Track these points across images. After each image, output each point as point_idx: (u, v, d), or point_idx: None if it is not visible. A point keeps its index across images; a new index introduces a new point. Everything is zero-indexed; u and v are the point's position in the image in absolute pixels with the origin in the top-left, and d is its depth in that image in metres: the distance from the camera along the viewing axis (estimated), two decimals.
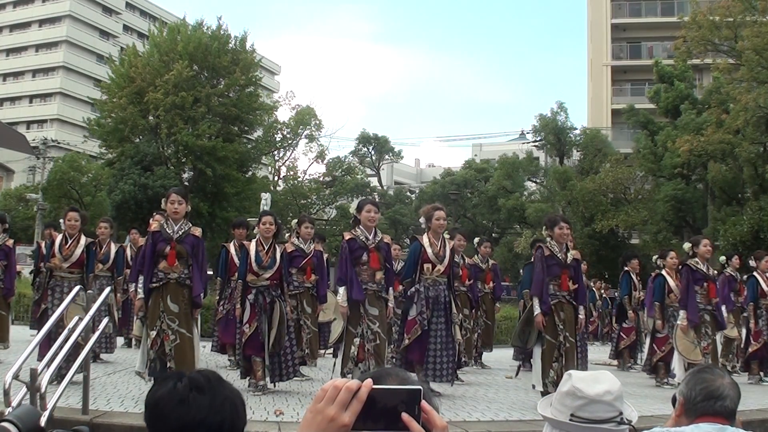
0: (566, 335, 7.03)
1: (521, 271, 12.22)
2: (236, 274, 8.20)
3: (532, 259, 7.84)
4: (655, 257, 11.07)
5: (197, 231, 6.94)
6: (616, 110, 37.99)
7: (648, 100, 31.33)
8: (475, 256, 11.14)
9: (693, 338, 8.56)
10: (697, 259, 8.69)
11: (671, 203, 26.07)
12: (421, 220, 7.91)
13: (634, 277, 11.45)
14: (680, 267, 9.08)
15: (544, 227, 7.51)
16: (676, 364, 8.95)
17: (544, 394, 6.61)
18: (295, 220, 9.33)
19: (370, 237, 7.37)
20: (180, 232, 6.74)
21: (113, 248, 9.77)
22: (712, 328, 8.72)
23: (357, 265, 7.29)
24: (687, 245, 9.03)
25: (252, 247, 7.54)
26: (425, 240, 7.60)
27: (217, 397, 1.56)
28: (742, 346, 10.89)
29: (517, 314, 12.54)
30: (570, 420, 2.18)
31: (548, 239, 7.31)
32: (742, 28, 23.74)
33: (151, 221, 6.92)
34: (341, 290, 7.28)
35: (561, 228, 7.20)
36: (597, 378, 2.23)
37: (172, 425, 1.53)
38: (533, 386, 7.35)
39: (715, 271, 9.35)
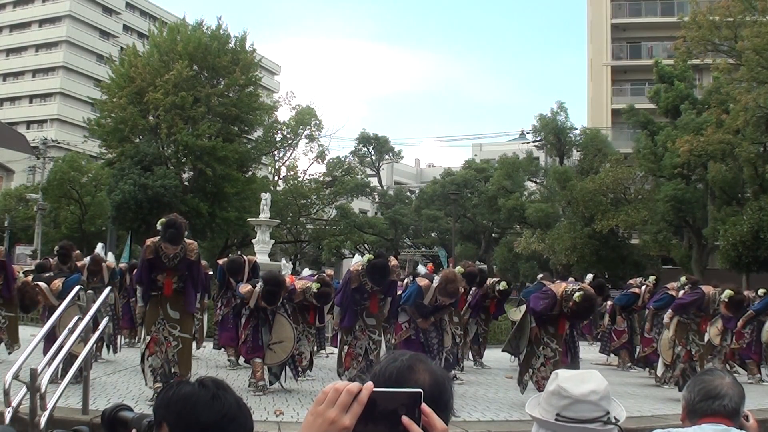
0: (553, 347, 7.24)
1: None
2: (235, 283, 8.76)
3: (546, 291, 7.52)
4: None
5: (193, 253, 6.85)
6: (616, 110, 37.95)
7: (648, 100, 31.31)
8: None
9: (671, 339, 8.63)
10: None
11: (671, 203, 26.03)
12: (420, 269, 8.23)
13: (640, 300, 11.41)
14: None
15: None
16: (660, 361, 9.31)
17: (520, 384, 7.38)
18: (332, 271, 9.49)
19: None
20: (176, 261, 6.74)
21: (106, 274, 9.68)
22: (699, 336, 8.78)
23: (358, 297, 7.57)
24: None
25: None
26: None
27: (238, 398, 1.64)
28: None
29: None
30: (556, 419, 2.18)
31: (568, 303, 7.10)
32: (742, 28, 23.71)
33: (148, 242, 6.91)
34: (337, 310, 7.66)
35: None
36: (584, 378, 2.23)
37: (205, 420, 1.56)
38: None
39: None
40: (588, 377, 2.23)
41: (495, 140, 53.67)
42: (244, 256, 10.17)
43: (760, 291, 11.15)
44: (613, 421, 2.20)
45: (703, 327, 8.87)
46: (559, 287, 7.26)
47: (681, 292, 9.48)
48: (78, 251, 10.47)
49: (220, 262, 10.70)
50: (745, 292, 11.21)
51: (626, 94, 40.21)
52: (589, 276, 10.82)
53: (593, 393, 2.17)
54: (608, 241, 29.47)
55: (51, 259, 10.42)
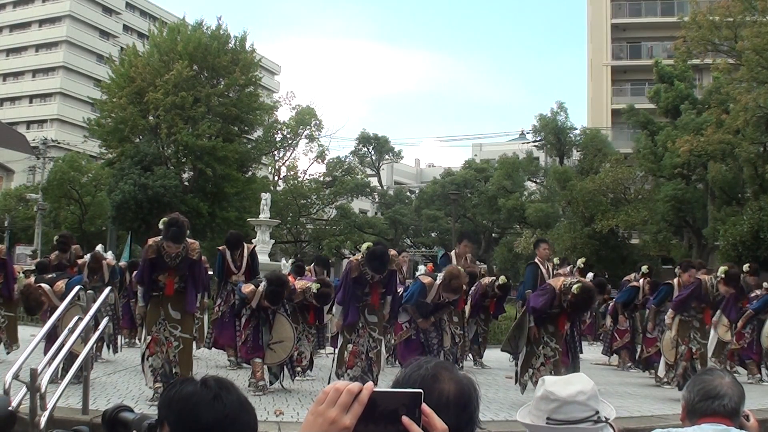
0: (553, 346, 7.24)
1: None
2: (233, 276, 8.61)
3: (543, 290, 7.54)
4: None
5: (194, 252, 6.84)
6: (616, 110, 37.96)
7: (648, 100, 31.28)
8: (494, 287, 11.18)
9: (674, 339, 8.64)
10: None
11: (671, 203, 26.03)
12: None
13: (640, 293, 11.36)
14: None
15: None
16: (662, 361, 9.34)
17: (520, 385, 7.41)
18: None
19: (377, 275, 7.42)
20: (178, 260, 6.73)
21: (106, 271, 9.66)
22: (702, 333, 8.76)
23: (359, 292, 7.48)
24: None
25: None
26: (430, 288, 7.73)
27: (241, 398, 1.62)
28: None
29: (515, 313, 12.69)
30: (547, 423, 2.21)
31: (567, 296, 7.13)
32: (742, 28, 23.70)
33: (150, 242, 6.90)
34: (338, 309, 7.52)
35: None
36: (570, 380, 2.27)
37: (206, 421, 1.54)
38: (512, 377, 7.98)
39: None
40: (574, 379, 2.28)
41: (495, 140, 53.69)
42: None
43: (745, 267, 11.05)
44: (603, 419, 2.22)
45: (707, 320, 8.82)
46: (557, 281, 7.30)
47: (676, 279, 9.53)
48: (77, 245, 10.57)
49: (221, 248, 10.60)
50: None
51: (626, 94, 40.22)
52: (590, 276, 10.76)
53: (580, 393, 2.20)
54: (608, 241, 29.48)
55: (51, 257, 10.48)
